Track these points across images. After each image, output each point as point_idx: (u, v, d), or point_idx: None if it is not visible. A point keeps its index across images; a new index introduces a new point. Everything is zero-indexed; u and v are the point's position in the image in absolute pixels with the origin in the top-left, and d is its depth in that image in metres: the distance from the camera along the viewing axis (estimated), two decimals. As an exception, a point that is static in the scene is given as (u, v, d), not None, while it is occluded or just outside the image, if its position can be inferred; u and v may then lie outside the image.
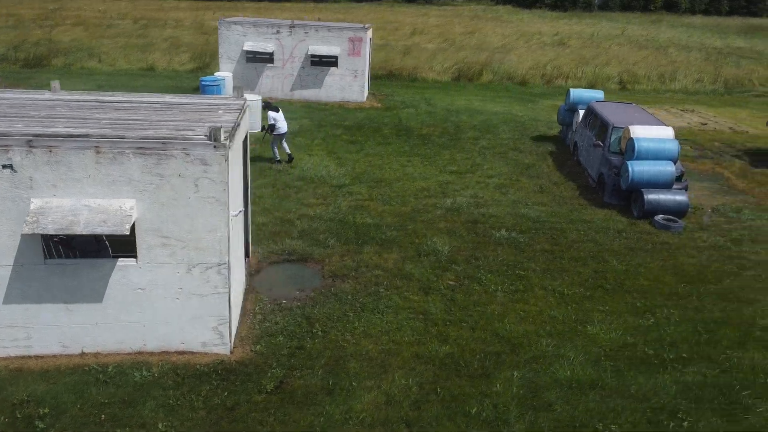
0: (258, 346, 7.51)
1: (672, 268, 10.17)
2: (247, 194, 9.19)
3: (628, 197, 12.80)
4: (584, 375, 7.25)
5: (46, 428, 6.04)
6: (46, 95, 8.15)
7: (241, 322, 7.96)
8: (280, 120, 14.45)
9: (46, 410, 6.24)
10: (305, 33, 20.50)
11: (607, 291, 9.35)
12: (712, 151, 17.73)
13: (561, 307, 8.79)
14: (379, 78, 26.68)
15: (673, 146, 12.60)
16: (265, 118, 14.95)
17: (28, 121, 6.84)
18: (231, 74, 20.74)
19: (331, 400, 6.65)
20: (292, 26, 20.53)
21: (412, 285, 9.22)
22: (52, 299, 6.68)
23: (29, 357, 6.97)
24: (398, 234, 10.96)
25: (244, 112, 8.10)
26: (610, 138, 13.56)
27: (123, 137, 6.24)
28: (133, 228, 6.51)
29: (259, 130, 15.37)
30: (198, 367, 7.03)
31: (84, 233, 6.10)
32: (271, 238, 10.52)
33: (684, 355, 7.78)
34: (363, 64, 20.89)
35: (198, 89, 20.37)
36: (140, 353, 7.13)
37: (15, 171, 6.15)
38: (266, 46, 20.54)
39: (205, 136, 6.38)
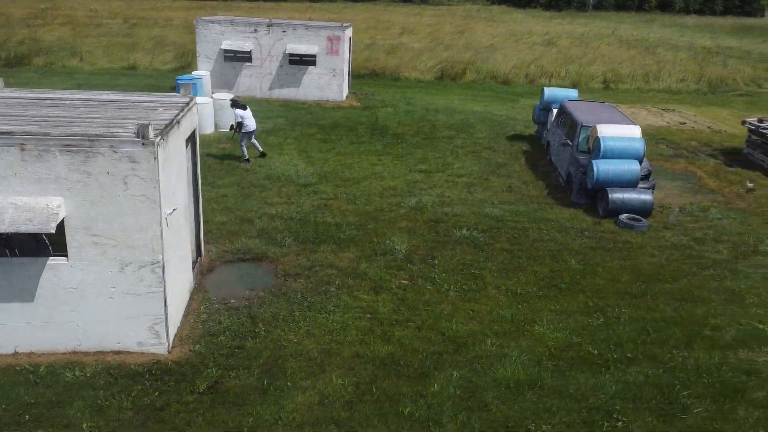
0: (197, 346, 7.44)
1: (630, 268, 10.11)
2: (197, 193, 9.13)
3: (594, 196, 12.75)
4: (524, 375, 7.19)
5: (-31, 429, 5.98)
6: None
7: (183, 322, 7.90)
8: (247, 117, 14.38)
9: (-29, 410, 6.18)
10: (283, 32, 20.43)
11: (561, 290, 9.29)
12: (687, 150, 17.68)
13: (511, 307, 8.73)
14: (361, 77, 26.61)
15: (639, 145, 12.54)
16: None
17: (-40, 119, 6.77)
18: (209, 73, 20.66)
19: (263, 401, 6.58)
20: (269, 25, 20.46)
21: (364, 284, 9.16)
22: (-17, 298, 6.62)
23: (-38, 357, 6.91)
24: (357, 233, 10.90)
25: (189, 110, 8.03)
26: (579, 137, 13.51)
27: (48, 134, 6.16)
28: (63, 227, 6.45)
29: (228, 129, 15.29)
30: (132, 366, 6.97)
31: (8, 231, 6.03)
32: (227, 237, 10.45)
33: (629, 354, 7.73)
34: (341, 63, 20.82)
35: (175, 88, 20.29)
36: (75, 353, 7.07)
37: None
38: (244, 44, 20.47)
39: (134, 133, 6.31)
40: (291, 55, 20.68)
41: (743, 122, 17.23)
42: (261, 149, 14.89)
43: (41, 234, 7.40)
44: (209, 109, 16.62)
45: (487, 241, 10.83)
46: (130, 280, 6.79)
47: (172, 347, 7.35)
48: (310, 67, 20.89)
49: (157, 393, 6.59)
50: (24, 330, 6.81)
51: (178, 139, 7.36)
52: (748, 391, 7.13)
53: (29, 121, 6.65)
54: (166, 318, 7.06)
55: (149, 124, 6.22)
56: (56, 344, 6.98)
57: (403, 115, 19.90)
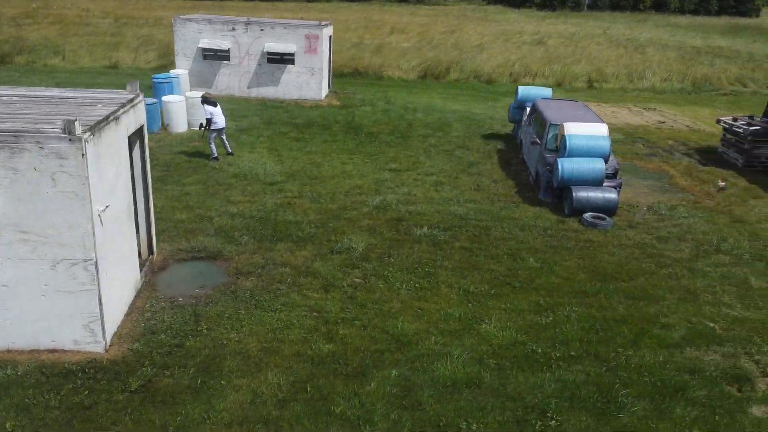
0: (136, 344, 7.38)
1: (587, 266, 10.05)
2: (147, 191, 9.07)
3: (561, 195, 12.69)
4: (464, 374, 7.13)
5: None
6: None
7: (125, 320, 7.83)
8: (217, 114, 14.34)
9: None
10: (261, 30, 20.37)
11: (515, 289, 9.23)
12: (663, 149, 17.62)
13: (461, 305, 8.66)
14: (344, 76, 26.56)
15: (605, 143, 12.48)
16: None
17: None
18: (187, 72, 20.60)
19: (194, 399, 6.52)
20: (247, 23, 20.39)
21: (315, 283, 9.10)
22: None
23: None
24: (317, 231, 10.83)
25: (132, 107, 7.97)
26: (547, 135, 13.45)
27: (-28, 130, 6.10)
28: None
29: (198, 126, 15.23)
30: (66, 365, 6.90)
31: (-68, 228, 5.97)
32: (184, 235, 10.39)
33: (573, 353, 7.67)
34: (320, 61, 20.76)
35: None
36: (9, 351, 7.00)
37: None
38: (222, 43, 20.40)
39: (60, 129, 6.24)
40: (269, 53, 20.62)
41: (718, 121, 17.18)
42: (229, 149, 14.82)
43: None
44: (182, 107, 16.55)
45: (446, 239, 10.77)
46: (63, 277, 6.72)
47: (110, 345, 7.29)
48: (289, 66, 20.83)
49: (87, 392, 6.52)
50: (-45, 328, 6.75)
51: (115, 135, 7.29)
52: (688, 389, 7.07)
53: (-43, 117, 6.59)
54: (102, 316, 7.00)
55: (76, 119, 6.15)
56: (-11, 342, 6.91)
57: (380, 114, 19.85)
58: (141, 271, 8.80)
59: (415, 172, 14.38)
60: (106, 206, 6.85)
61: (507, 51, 32.51)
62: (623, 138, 18.50)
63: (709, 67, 31.27)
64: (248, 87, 21.12)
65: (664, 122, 20.85)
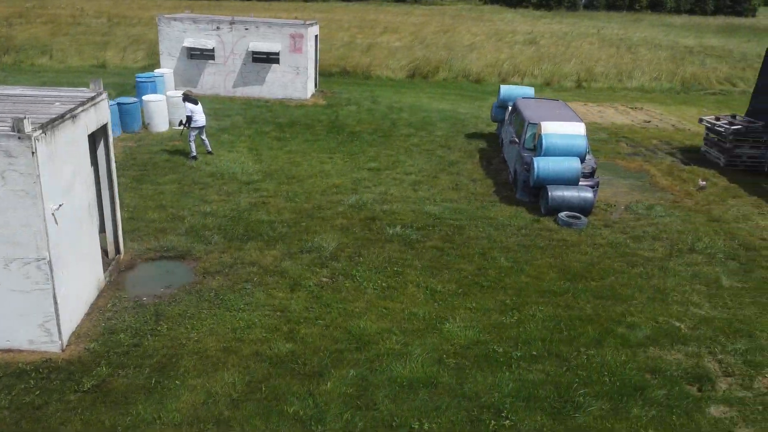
0: (94, 344, 7.33)
1: (558, 266, 10.01)
2: (113, 190, 9.02)
3: (538, 194, 12.65)
4: (422, 373, 7.09)
5: None
6: None
7: (85, 320, 7.78)
8: (197, 112, 14.30)
9: None
10: (245, 29, 20.32)
11: (483, 288, 9.19)
12: (647, 148, 17.58)
13: (427, 305, 8.62)
14: (332, 75, 26.52)
15: (581, 142, 12.44)
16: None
17: None
18: (171, 71, 20.56)
19: (147, 399, 6.47)
20: (232, 22, 20.35)
21: (282, 282, 9.05)
22: None
23: None
24: (289, 230, 10.79)
25: (93, 105, 7.92)
26: (525, 134, 13.40)
27: None
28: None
29: (178, 124, 15.18)
30: (20, 365, 6.86)
31: None
32: (154, 234, 10.34)
33: (534, 353, 7.62)
34: (305, 60, 20.70)
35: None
36: (-37, 351, 6.96)
37: None
38: (206, 42, 20.36)
39: (9, 127, 6.20)
40: (254, 52, 20.58)
41: (701, 120, 17.15)
42: (209, 148, 14.78)
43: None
44: (163, 106, 16.51)
45: (419, 238, 10.73)
46: (16, 277, 6.68)
47: (67, 345, 7.24)
48: (274, 65, 20.78)
49: (38, 392, 6.48)
50: None
51: (72, 134, 7.24)
52: (648, 389, 7.03)
53: None
54: (58, 315, 6.95)
55: (25, 117, 6.11)
56: (-57, 342, 6.86)
57: (364, 113, 19.80)
58: (106, 270, 8.75)
59: (395, 171, 14.34)
60: (60, 205, 6.80)
61: (497, 50, 32.48)
62: (607, 137, 18.46)
63: (700, 67, 31.24)
64: (233, 86, 21.08)
65: (649, 122, 20.82)
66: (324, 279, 9.26)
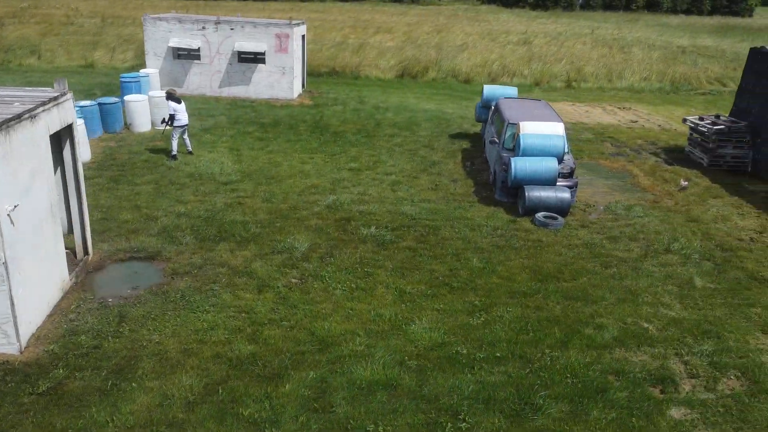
0: (53, 346, 7.28)
1: (531, 266, 9.95)
2: (80, 191, 8.97)
3: (516, 194, 12.60)
4: (382, 376, 7.03)
5: None
6: None
7: (47, 321, 7.73)
8: (180, 111, 14.28)
9: None
10: (231, 29, 20.26)
11: (453, 289, 9.13)
12: (631, 148, 17.53)
13: (394, 306, 8.57)
14: (321, 75, 26.48)
15: (559, 142, 12.39)
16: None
17: None
18: (157, 71, 20.50)
19: (101, 402, 6.42)
20: (217, 22, 20.29)
21: (250, 283, 9.00)
22: None
23: None
24: (263, 231, 10.74)
25: (56, 105, 7.87)
26: (505, 134, 13.35)
27: None
28: None
29: (160, 122, 15.13)
30: (-24, 367, 6.81)
31: None
32: (126, 235, 10.29)
33: (498, 354, 7.57)
34: (291, 60, 20.64)
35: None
36: None
37: None
38: (192, 42, 20.30)
39: (-40, 127, 6.15)
40: (240, 52, 20.52)
41: (684, 120, 17.10)
42: (189, 148, 14.74)
43: None
44: (145, 106, 16.45)
45: (393, 239, 10.67)
46: (-29, 278, 6.62)
47: (26, 347, 7.19)
48: (260, 65, 20.73)
49: (-8, 394, 6.43)
50: None
51: (31, 134, 7.19)
52: (609, 391, 6.98)
53: None
54: (15, 317, 6.89)
55: (-25, 118, 6.05)
56: None
57: (350, 113, 19.75)
58: (72, 271, 8.70)
59: (374, 171, 14.29)
60: (15, 205, 6.74)
61: (489, 50, 32.41)
62: (592, 137, 18.41)
63: (692, 67, 31.18)
64: (219, 86, 21.02)
65: (636, 121, 20.77)
66: (293, 280, 9.20)
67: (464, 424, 6.37)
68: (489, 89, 16.79)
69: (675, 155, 16.96)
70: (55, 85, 8.28)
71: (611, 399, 6.87)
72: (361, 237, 10.69)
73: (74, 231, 9.15)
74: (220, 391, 6.68)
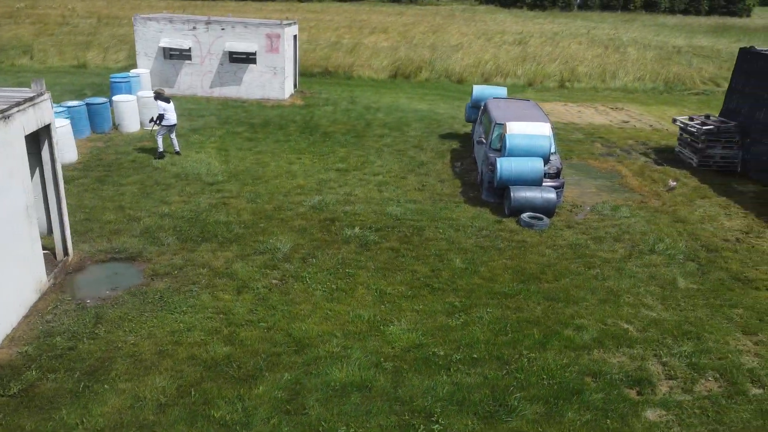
0: (27, 348, 7.23)
1: (514, 267, 9.91)
2: (58, 191, 8.93)
3: (502, 194, 12.56)
4: (357, 377, 7.00)
5: None
6: None
7: (23, 322, 7.69)
8: (169, 111, 14.28)
9: None
10: (222, 29, 20.22)
11: (433, 290, 9.10)
12: (621, 148, 17.50)
13: (374, 307, 8.53)
14: (314, 75, 26.44)
15: (545, 143, 12.36)
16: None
17: None
18: (148, 71, 20.47)
19: (72, 404, 6.38)
20: (208, 22, 20.25)
21: (230, 284, 8.96)
22: None
23: None
24: (245, 232, 10.70)
25: (32, 105, 7.83)
26: (492, 134, 13.32)
27: None
28: None
29: (148, 121, 15.10)
30: (-52, 369, 6.77)
31: None
32: (108, 236, 10.25)
33: (475, 355, 7.53)
34: (282, 60, 20.61)
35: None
36: None
37: None
38: (183, 42, 20.26)
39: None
40: (231, 53, 20.49)
41: (674, 120, 17.07)
42: (177, 149, 14.71)
43: None
44: (133, 107, 16.41)
45: (376, 240, 10.64)
46: (-58, 279, 6.58)
47: (0, 348, 7.15)
48: (251, 65, 20.69)
49: (-38, 396, 6.39)
50: None
51: (5, 134, 7.15)
52: (585, 392, 6.94)
53: None
54: (-13, 319, 6.85)
55: (-56, 118, 6.01)
56: None
57: (340, 114, 19.71)
58: (51, 272, 8.66)
59: (362, 172, 14.25)
60: (-14, 207, 6.71)
61: (483, 50, 32.38)
62: (583, 137, 18.39)
63: (686, 67, 31.15)
64: (210, 87, 20.99)
65: (627, 122, 20.74)
66: (273, 281, 9.16)
67: (437, 426, 6.33)
68: (478, 89, 16.76)
69: (665, 155, 16.93)
70: (32, 85, 8.23)
71: (587, 400, 6.83)
72: (344, 238, 10.65)
73: (53, 232, 9.11)
74: (193, 393, 6.64)
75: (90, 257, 9.58)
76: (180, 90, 20.91)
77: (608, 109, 22.82)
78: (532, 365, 7.41)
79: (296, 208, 11.86)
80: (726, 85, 27.59)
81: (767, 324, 8.59)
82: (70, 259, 9.31)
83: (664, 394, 7.05)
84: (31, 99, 7.83)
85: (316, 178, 13.69)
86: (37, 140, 8.52)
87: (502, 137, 12.83)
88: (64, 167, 13.22)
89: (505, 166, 12.04)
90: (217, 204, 11.85)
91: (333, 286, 9.05)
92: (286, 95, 21.35)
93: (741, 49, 16.39)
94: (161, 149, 14.31)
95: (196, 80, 20.91)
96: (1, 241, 7.11)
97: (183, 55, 20.73)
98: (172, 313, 8.12)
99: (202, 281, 8.99)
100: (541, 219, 11.69)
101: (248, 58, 20.59)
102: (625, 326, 8.38)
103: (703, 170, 15.61)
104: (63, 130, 13.38)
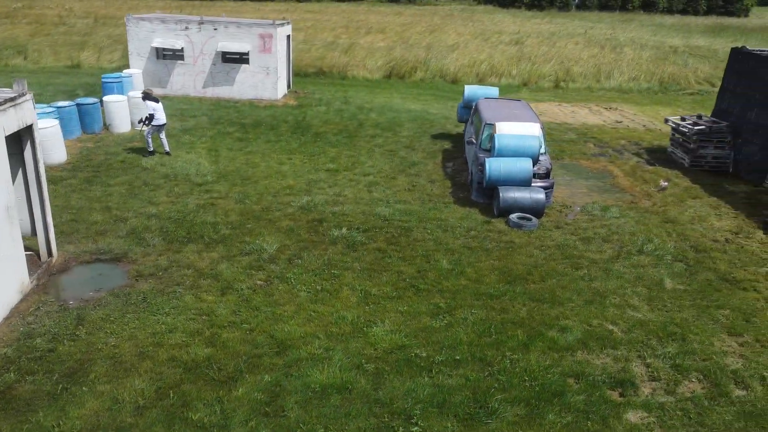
0: (6, 350, 7.20)
1: (501, 268, 9.88)
2: (41, 192, 8.89)
3: (492, 195, 12.53)
4: (338, 379, 6.96)
5: None
6: None
7: (3, 324, 7.65)
8: (159, 111, 14.26)
9: None
10: (214, 29, 20.18)
11: (419, 291, 9.06)
12: (613, 148, 17.47)
13: (358, 308, 8.49)
14: (308, 75, 26.39)
15: (534, 143, 12.32)
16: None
17: None
18: (140, 71, 20.43)
19: (49, 406, 6.34)
20: (201, 22, 20.21)
21: (214, 285, 8.93)
22: None
23: None
24: (232, 233, 10.66)
25: (13, 106, 7.79)
26: (482, 134, 13.29)
27: None
28: None
29: (138, 122, 15.06)
30: (-75, 371, 6.73)
31: None
32: (93, 236, 10.21)
33: (457, 357, 7.49)
34: (275, 60, 20.57)
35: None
36: None
37: None
38: (175, 42, 20.21)
39: None
40: (224, 53, 20.45)
41: (666, 120, 17.04)
42: (167, 149, 14.67)
43: None
44: (124, 107, 16.37)
45: (363, 240, 10.60)
46: None
47: (-21, 350, 7.11)
48: (244, 65, 20.65)
49: (-62, 399, 6.35)
50: None
51: (-16, 135, 7.12)
52: (567, 394, 6.91)
53: None
54: (-34, 320, 6.81)
55: None
56: None
57: (333, 114, 19.68)
58: (34, 273, 8.63)
59: (352, 172, 14.21)
60: (-36, 208, 6.67)
61: (479, 51, 32.35)
62: (576, 137, 18.35)
63: (682, 67, 31.12)
64: (203, 87, 20.94)
65: (621, 122, 20.71)
66: (258, 282, 9.13)
67: (416, 428, 6.29)
68: (470, 89, 16.73)
69: (657, 155, 16.89)
70: (14, 85, 8.19)
71: (568, 402, 6.80)
72: (331, 238, 10.61)
73: (37, 233, 9.07)
74: (172, 395, 6.60)
75: (75, 258, 9.54)
76: (172, 90, 20.87)
77: (602, 109, 22.79)
78: (514, 367, 7.37)
79: (284, 209, 11.82)
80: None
81: (753, 325, 8.56)
82: (54, 260, 9.28)
83: (646, 396, 7.02)
84: (12, 99, 7.79)
85: (305, 178, 13.65)
86: (19, 141, 8.48)
87: (491, 137, 12.79)
88: (53, 168, 13.21)
89: (494, 166, 12.00)
90: (205, 205, 11.81)
91: (318, 287, 9.02)
92: (279, 95, 21.31)
93: (733, 49, 16.37)
94: (151, 149, 14.30)
95: (188, 80, 20.86)
96: (-20, 243, 7.07)
97: (176, 55, 20.69)
98: (154, 315, 8.08)
99: (186, 282, 8.95)
100: (529, 219, 11.66)
101: (241, 59, 20.56)
102: (610, 327, 8.35)
103: (695, 170, 15.58)
104: (52, 131, 13.36)
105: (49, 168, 13.00)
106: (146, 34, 20.29)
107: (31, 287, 8.46)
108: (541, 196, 11.88)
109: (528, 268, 9.93)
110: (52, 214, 10.01)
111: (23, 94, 8.11)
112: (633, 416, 6.68)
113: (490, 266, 9.94)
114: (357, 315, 8.32)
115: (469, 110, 16.85)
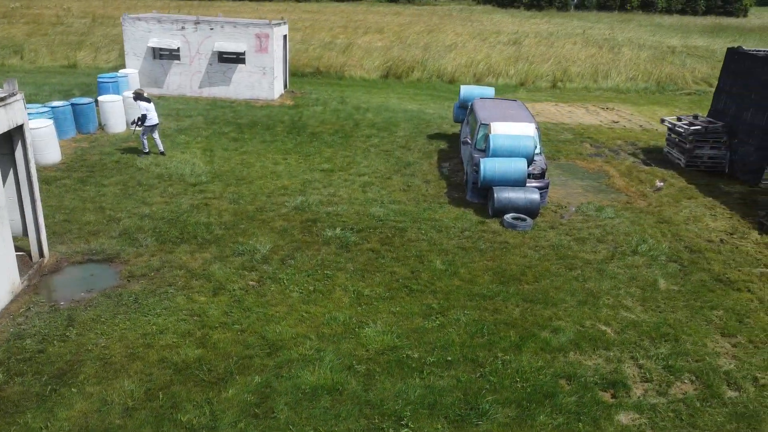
0: (-4, 351, 7.18)
1: (494, 269, 9.85)
2: (33, 193, 8.85)
3: (486, 195, 12.50)
4: (329, 380, 6.93)
5: None
6: None
7: (-7, 325, 7.63)
8: (151, 111, 14.23)
9: None
10: (210, 29, 20.15)
11: (411, 292, 9.03)
12: (610, 149, 17.45)
13: (350, 309, 8.46)
14: (306, 76, 26.36)
15: (529, 143, 12.29)
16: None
17: None
18: (136, 71, 20.39)
19: (37, 408, 6.31)
20: (197, 22, 20.17)
21: (206, 286, 8.89)
22: None
23: None
24: (225, 233, 10.63)
25: (2, 106, 7.75)
26: (477, 134, 13.27)
27: None
28: None
29: (130, 122, 15.03)
30: None
31: None
32: (86, 237, 10.18)
33: (449, 358, 7.47)
34: (272, 60, 20.54)
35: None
36: None
37: None
38: (171, 42, 20.18)
39: None
40: (221, 53, 20.42)
41: (662, 120, 17.02)
42: (161, 149, 14.64)
43: None
44: (119, 107, 16.33)
45: (357, 241, 10.57)
46: None
47: (-32, 352, 7.08)
48: (240, 65, 20.62)
49: (-74, 400, 6.32)
50: None
51: (-27, 135, 7.08)
52: (559, 396, 6.88)
53: None
54: (-46, 321, 6.78)
55: None
56: None
57: (329, 114, 19.64)
58: (25, 274, 8.59)
59: (347, 172, 14.18)
60: (-48, 208, 6.63)
61: (476, 50, 32.32)
62: (572, 138, 18.33)
63: (680, 67, 31.11)
64: (199, 87, 20.91)
65: (617, 122, 20.69)
66: (251, 283, 9.09)
67: (406, 429, 6.27)
68: (466, 89, 16.70)
69: (654, 156, 16.88)
70: (4, 85, 8.15)
71: (559, 404, 6.77)
72: (325, 239, 10.58)
73: (28, 233, 9.04)
74: (161, 396, 6.57)
75: (67, 258, 9.50)
76: (169, 90, 20.83)
77: (599, 110, 22.77)
78: (506, 368, 7.35)
79: (278, 209, 11.79)
80: (718, 85, 27.57)
81: (746, 326, 8.54)
82: (45, 260, 9.24)
83: (638, 397, 6.99)
84: (2, 99, 7.75)
85: (300, 178, 13.62)
86: (10, 141, 8.45)
87: (486, 137, 12.77)
88: (47, 168, 13.18)
89: (489, 166, 11.98)
90: (198, 205, 11.78)
91: (310, 287, 8.99)
92: (276, 95, 21.28)
93: (729, 49, 16.36)
94: (146, 150, 14.27)
95: (185, 80, 20.83)
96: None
97: (172, 55, 20.66)
98: (145, 315, 8.05)
99: (178, 283, 8.92)
100: (524, 220, 11.63)
101: (237, 58, 20.53)
102: (603, 328, 8.32)
103: (691, 171, 15.57)
104: (46, 131, 13.32)
105: (43, 168, 12.98)
106: (142, 34, 20.26)
107: (22, 288, 8.42)
108: (535, 196, 11.85)
109: (522, 269, 9.90)
110: (46, 214, 10.01)
111: (13, 94, 8.08)
112: (624, 417, 6.66)
113: (484, 267, 9.91)
114: (349, 316, 8.29)
115: (465, 110, 16.82)
